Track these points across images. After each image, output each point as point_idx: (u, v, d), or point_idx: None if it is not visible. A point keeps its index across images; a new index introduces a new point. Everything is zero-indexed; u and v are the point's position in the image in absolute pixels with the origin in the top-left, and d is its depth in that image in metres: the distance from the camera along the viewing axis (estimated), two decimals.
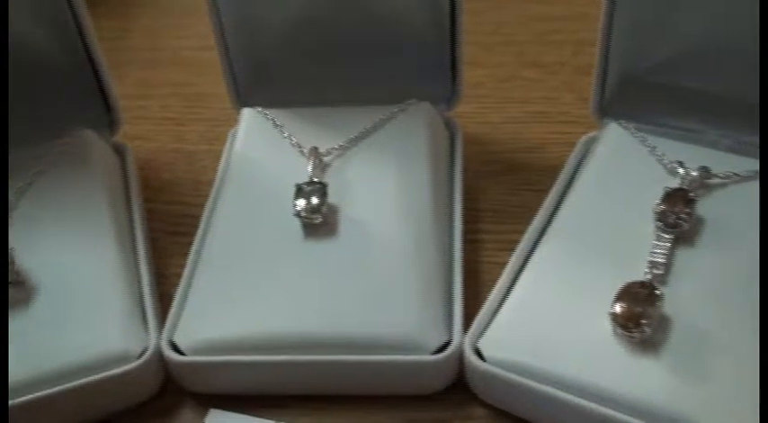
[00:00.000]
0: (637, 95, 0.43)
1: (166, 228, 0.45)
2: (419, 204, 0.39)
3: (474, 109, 0.51)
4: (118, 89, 0.45)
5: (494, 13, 0.58)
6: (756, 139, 0.41)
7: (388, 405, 0.35)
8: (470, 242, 0.42)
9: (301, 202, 0.38)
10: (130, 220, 0.41)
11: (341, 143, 0.41)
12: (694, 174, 0.37)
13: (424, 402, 0.35)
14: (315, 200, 0.38)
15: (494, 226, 0.43)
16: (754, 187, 0.37)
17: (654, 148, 0.39)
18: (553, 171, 0.43)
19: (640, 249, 0.35)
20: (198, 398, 0.36)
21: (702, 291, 0.34)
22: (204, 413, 0.36)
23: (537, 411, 0.34)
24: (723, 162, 0.38)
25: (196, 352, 0.35)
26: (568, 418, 0.33)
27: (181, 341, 0.35)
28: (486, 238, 0.43)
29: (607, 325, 0.33)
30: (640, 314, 0.32)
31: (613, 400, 0.32)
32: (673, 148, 0.39)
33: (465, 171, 0.44)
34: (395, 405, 0.35)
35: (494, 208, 0.44)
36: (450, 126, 0.45)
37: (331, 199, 0.38)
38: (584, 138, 0.43)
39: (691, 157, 0.39)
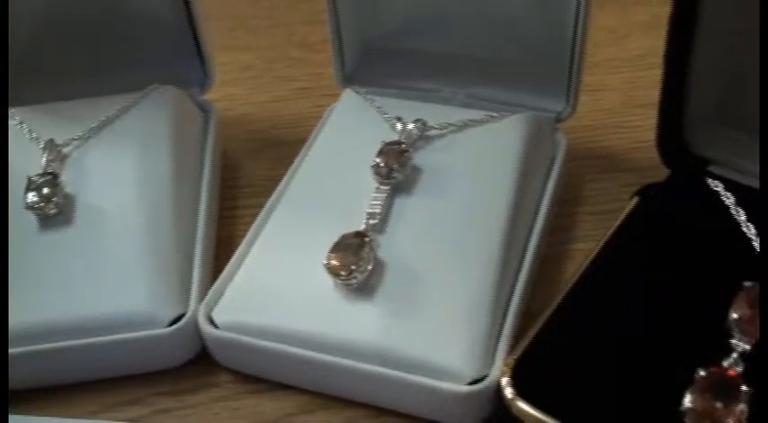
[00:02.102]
0: (374, 62, 0.45)
1: None
2: (157, 186, 0.39)
3: (242, 91, 0.52)
4: None
5: None
6: (485, 91, 0.43)
7: (134, 384, 0.36)
8: (228, 217, 0.43)
9: (32, 195, 0.37)
10: None
11: (80, 133, 0.41)
12: (410, 127, 0.39)
13: (169, 376, 0.36)
14: (45, 190, 0.37)
15: (251, 200, 0.44)
16: (467, 134, 0.40)
17: (381, 108, 0.41)
18: None
19: (362, 203, 0.37)
20: None
21: (416, 235, 0.36)
22: None
23: (274, 369, 0.35)
24: (444, 115, 0.40)
25: None
26: (303, 370, 0.34)
27: None
28: (244, 213, 0.43)
29: (328, 277, 0.35)
30: (351, 262, 0.34)
31: (336, 346, 0.33)
32: (403, 108, 0.41)
33: (226, 151, 0.46)
34: (141, 383, 0.36)
35: (253, 184, 0.45)
36: (204, 108, 0.46)
37: (68, 189, 0.39)
38: (329, 108, 0.45)
39: (418, 114, 0.41)
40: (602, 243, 0.36)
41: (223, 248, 0.41)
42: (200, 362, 0.36)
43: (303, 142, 0.45)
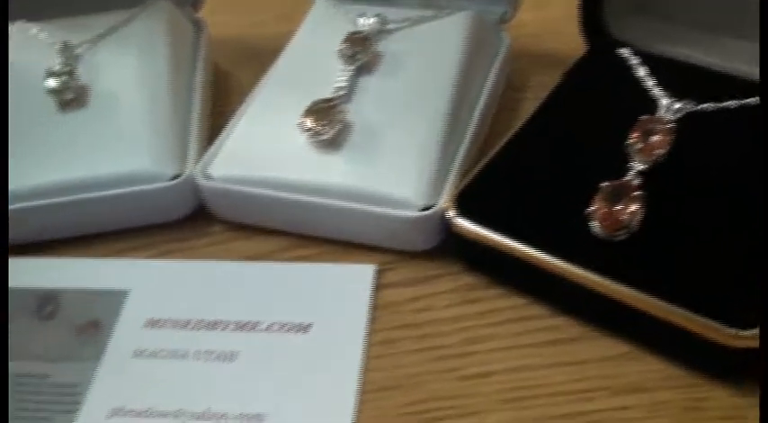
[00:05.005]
0: None
1: None
2: (156, 77, 0.46)
3: (230, 17, 0.58)
4: None
5: None
6: None
7: (145, 233, 0.43)
8: (219, 113, 0.49)
9: (52, 81, 0.44)
10: None
11: (89, 38, 0.48)
12: (371, 20, 0.46)
13: (173, 227, 0.43)
14: (63, 79, 0.44)
15: (240, 97, 0.49)
16: (420, 27, 0.46)
17: (348, 11, 0.48)
18: None
19: (331, 82, 0.43)
20: None
21: (377, 103, 0.43)
22: None
23: (259, 213, 0.42)
24: (402, 13, 0.47)
25: None
26: (283, 211, 0.41)
27: None
28: (234, 109, 0.49)
29: (304, 135, 0.41)
30: (321, 120, 0.41)
31: (309, 188, 0.40)
32: (367, 9, 0.48)
33: (216, 63, 0.53)
34: (151, 232, 0.43)
35: (241, 89, 0.50)
36: (198, 24, 0.53)
37: (82, 80, 0.45)
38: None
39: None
40: (536, 108, 0.43)
41: (216, 136, 0.47)
42: (198, 217, 0.43)
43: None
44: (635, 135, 0.37)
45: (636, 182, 0.36)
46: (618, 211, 0.35)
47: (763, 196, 0.35)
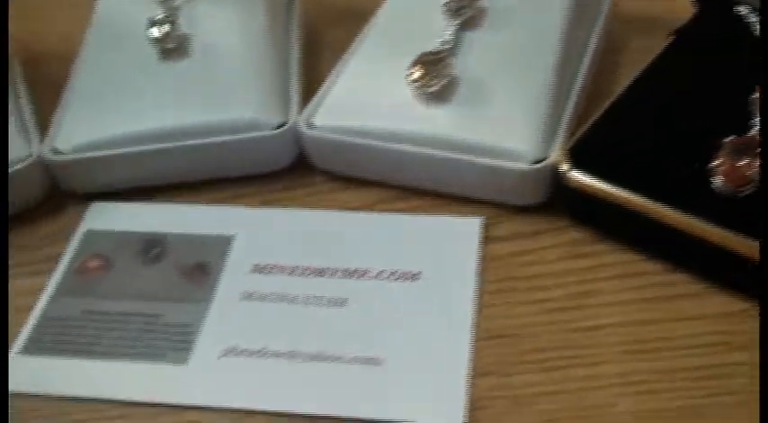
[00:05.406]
0: None
1: None
2: (255, 29, 0.46)
3: None
4: None
5: None
6: None
7: (247, 182, 0.43)
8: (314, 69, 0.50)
9: (154, 31, 0.44)
10: None
11: None
12: None
13: (274, 177, 0.43)
14: (165, 28, 0.44)
15: (333, 54, 0.49)
16: None
17: None
18: None
19: (437, 36, 0.43)
20: (80, 197, 0.43)
21: (483, 57, 0.42)
22: (86, 208, 0.42)
23: (362, 164, 0.41)
24: None
25: (75, 152, 0.41)
26: (386, 162, 0.41)
27: (61, 145, 0.42)
28: (329, 67, 0.49)
29: (410, 88, 0.41)
30: (429, 72, 0.40)
31: (415, 138, 0.40)
32: None
33: (308, 15, 0.52)
34: (253, 182, 0.43)
35: (331, 43, 0.51)
36: None
37: (183, 30, 0.45)
38: None
39: None
40: (648, 63, 0.42)
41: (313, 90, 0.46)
42: (299, 167, 0.43)
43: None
44: (760, 90, 0.36)
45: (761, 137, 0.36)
46: (743, 167, 0.34)
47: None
